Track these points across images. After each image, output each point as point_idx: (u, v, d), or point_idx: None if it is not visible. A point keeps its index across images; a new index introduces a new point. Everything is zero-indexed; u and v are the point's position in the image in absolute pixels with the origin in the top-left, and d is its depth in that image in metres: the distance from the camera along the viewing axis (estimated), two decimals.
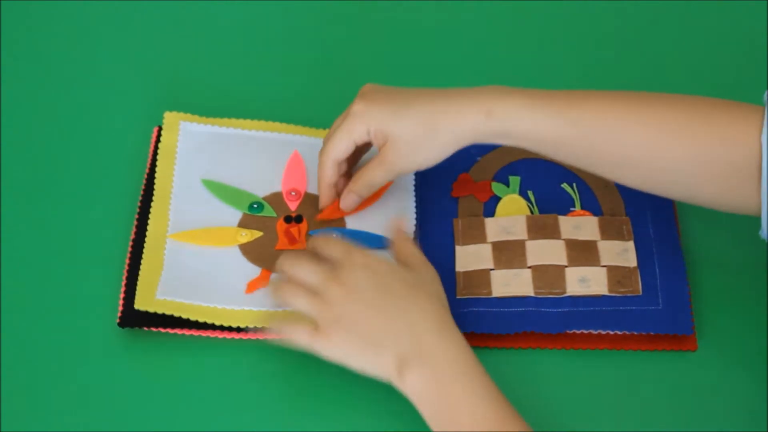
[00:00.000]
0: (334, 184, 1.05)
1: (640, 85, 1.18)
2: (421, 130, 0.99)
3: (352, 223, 1.07)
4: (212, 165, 1.11)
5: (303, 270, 0.97)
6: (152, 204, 1.08)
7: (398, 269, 0.98)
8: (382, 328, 0.94)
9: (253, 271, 1.05)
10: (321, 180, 1.05)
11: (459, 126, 0.99)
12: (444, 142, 1.00)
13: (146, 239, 1.06)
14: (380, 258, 0.98)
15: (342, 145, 1.02)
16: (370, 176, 1.03)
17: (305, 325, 0.95)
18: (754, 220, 0.98)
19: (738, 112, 0.96)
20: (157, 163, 1.10)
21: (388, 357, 0.93)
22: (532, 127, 0.98)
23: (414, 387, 0.92)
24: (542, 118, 0.98)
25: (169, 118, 1.13)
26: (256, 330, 1.02)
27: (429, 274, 0.99)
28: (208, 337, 1.02)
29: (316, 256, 0.99)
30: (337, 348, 0.94)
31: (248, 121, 1.14)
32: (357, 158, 1.07)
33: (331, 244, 0.99)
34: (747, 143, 0.94)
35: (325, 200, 1.06)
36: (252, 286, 1.04)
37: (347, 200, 1.05)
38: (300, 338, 0.95)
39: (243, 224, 1.07)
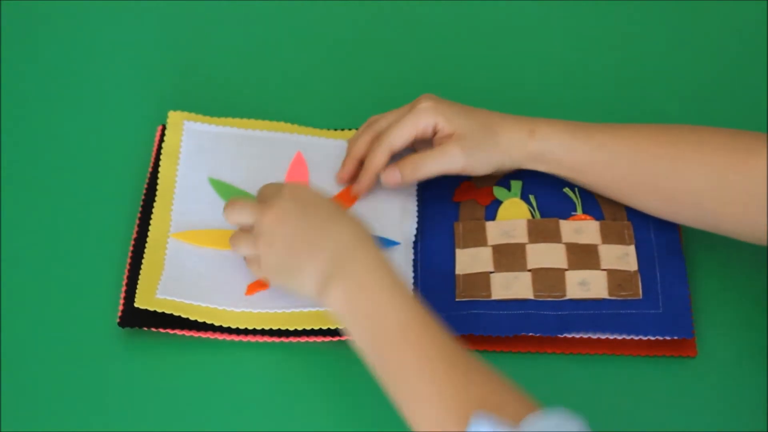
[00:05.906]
0: (379, 168, 1.06)
1: (640, 86, 1.18)
2: (484, 132, 1.05)
3: None
4: (216, 165, 1.11)
5: (238, 212, 1.01)
6: (155, 203, 1.08)
7: (322, 197, 0.99)
8: (305, 249, 0.96)
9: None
10: (368, 164, 1.07)
11: (510, 138, 1.04)
12: (499, 150, 1.05)
13: (148, 238, 1.06)
14: (305, 187, 1.01)
15: (406, 133, 1.05)
16: (423, 162, 1.05)
17: (254, 256, 1.01)
18: None
19: (758, 142, 0.98)
20: (161, 162, 1.10)
21: (312, 276, 0.96)
22: (565, 151, 1.04)
23: (337, 301, 0.94)
24: (575, 141, 1.04)
25: (173, 117, 1.13)
26: (255, 332, 1.02)
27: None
28: (207, 337, 1.02)
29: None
30: (271, 275, 1.00)
31: (252, 121, 1.14)
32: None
33: (265, 186, 1.03)
34: (763, 174, 0.96)
35: (346, 172, 1.08)
36: (252, 289, 1.04)
37: (389, 175, 1.06)
38: (250, 267, 1.02)
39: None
